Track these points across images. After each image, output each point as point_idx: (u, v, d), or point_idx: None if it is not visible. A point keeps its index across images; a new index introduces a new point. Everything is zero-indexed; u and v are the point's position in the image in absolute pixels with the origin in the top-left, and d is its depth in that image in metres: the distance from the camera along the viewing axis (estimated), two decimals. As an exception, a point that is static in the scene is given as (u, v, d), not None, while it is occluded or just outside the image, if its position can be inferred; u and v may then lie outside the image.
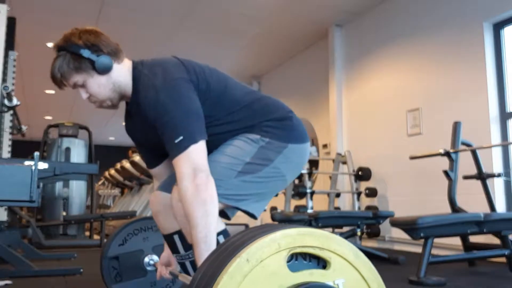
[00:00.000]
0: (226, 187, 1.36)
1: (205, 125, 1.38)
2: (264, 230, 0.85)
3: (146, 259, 1.98)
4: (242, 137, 1.45)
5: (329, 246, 0.86)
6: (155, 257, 1.99)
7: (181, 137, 1.29)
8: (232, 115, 1.46)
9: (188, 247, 1.44)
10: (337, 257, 0.86)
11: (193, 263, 1.45)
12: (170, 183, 1.47)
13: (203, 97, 1.40)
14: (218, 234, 1.35)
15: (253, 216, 1.45)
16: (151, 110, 1.35)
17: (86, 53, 1.39)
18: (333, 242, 0.86)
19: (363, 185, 5.07)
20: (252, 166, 1.40)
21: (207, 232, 1.25)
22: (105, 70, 1.40)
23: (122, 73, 1.45)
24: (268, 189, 1.46)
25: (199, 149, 1.30)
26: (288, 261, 0.83)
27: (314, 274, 0.85)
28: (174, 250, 1.51)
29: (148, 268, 1.98)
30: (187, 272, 1.52)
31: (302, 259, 0.86)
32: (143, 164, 6.74)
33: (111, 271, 1.97)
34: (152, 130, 1.39)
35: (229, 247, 0.83)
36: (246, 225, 5.52)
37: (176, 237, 1.48)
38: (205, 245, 1.23)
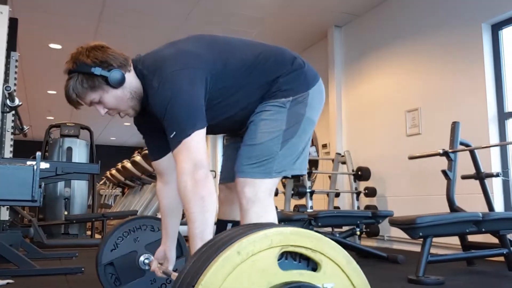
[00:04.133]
0: (277, 162, 1.42)
1: (225, 94, 1.43)
2: (257, 226, 0.85)
3: (141, 259, 1.99)
4: (268, 107, 1.48)
5: (321, 248, 0.85)
6: (149, 256, 2.00)
7: (174, 133, 1.32)
8: (245, 77, 1.48)
9: None
10: (329, 260, 0.85)
11: None
12: (230, 172, 1.53)
13: (217, 75, 1.42)
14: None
15: (302, 176, 1.53)
16: (156, 110, 1.39)
17: (97, 70, 1.41)
18: (326, 245, 0.86)
19: (362, 185, 5.09)
20: (290, 130, 1.46)
21: (203, 229, 1.27)
22: (119, 83, 1.43)
23: (133, 79, 1.47)
24: (306, 140, 1.53)
25: (193, 143, 1.31)
26: (278, 259, 0.82)
27: (304, 275, 0.84)
28: None
29: (145, 267, 1.99)
30: None
31: (292, 259, 0.86)
32: (144, 164, 6.76)
33: (108, 277, 1.97)
34: (159, 123, 1.43)
35: (222, 239, 0.83)
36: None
37: (229, 226, 1.53)
38: (201, 241, 1.25)
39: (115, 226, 2.06)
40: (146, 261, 1.98)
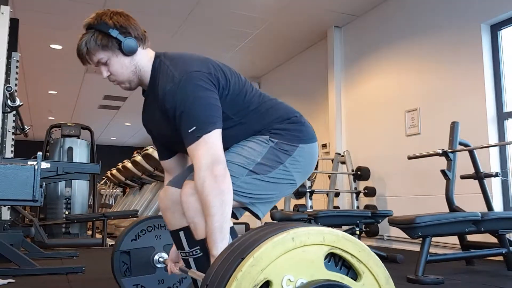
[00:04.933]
0: (238, 184, 1.39)
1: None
2: (313, 225, 0.87)
3: (156, 257, 2.02)
4: (253, 139, 1.48)
5: (367, 261, 0.87)
6: (164, 255, 2.02)
7: (193, 127, 1.33)
8: (244, 116, 1.49)
9: (193, 244, 1.46)
10: (370, 274, 0.87)
11: (197, 260, 1.48)
12: (181, 178, 1.49)
13: (221, 93, 1.43)
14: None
15: (258, 217, 1.48)
16: (169, 100, 1.38)
17: (114, 32, 1.43)
18: (371, 260, 0.88)
19: (362, 185, 5.10)
20: (263, 166, 1.43)
21: (223, 222, 1.28)
22: (130, 51, 1.45)
23: (144, 59, 1.49)
24: (277, 191, 1.48)
25: (212, 139, 1.32)
26: (324, 259, 0.84)
27: (344, 280, 0.86)
28: (179, 246, 1.53)
29: (158, 265, 2.02)
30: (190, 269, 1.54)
31: (334, 263, 0.88)
32: (145, 164, 6.77)
33: (121, 265, 2.01)
34: (166, 120, 1.43)
35: (274, 226, 0.85)
36: (247, 224, 5.55)
37: (182, 234, 1.50)
38: (221, 234, 1.27)
39: (142, 219, 2.10)
40: (161, 259, 2.01)
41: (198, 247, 1.44)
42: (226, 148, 1.45)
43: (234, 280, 0.76)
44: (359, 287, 0.86)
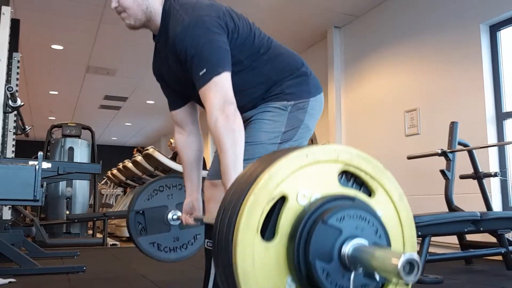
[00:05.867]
0: None
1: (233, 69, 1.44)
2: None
3: (170, 215, 2.05)
4: (270, 108, 1.52)
5: (380, 178, 0.88)
6: (178, 213, 2.05)
7: (204, 70, 1.35)
8: (255, 60, 1.51)
9: None
10: (383, 191, 0.88)
11: None
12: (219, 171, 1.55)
13: (231, 36, 1.45)
14: None
15: None
16: (180, 44, 1.40)
17: None
18: (385, 177, 0.88)
19: (363, 185, 5.11)
20: (288, 133, 1.50)
21: (235, 159, 1.30)
22: None
23: (157, 1, 1.51)
24: (302, 144, 1.56)
25: (223, 81, 1.35)
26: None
27: (358, 195, 0.87)
28: (210, 235, 1.54)
29: (172, 223, 2.05)
30: (210, 260, 1.55)
31: (347, 181, 0.89)
32: (145, 164, 6.78)
33: (137, 225, 2.07)
34: (177, 64, 1.46)
35: (291, 148, 0.86)
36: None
37: None
38: (234, 171, 1.29)
39: (154, 179, 2.15)
40: (175, 217, 2.04)
41: None
42: (236, 93, 1.45)
43: (251, 194, 0.76)
44: (372, 203, 0.87)
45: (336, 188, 0.85)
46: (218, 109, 1.32)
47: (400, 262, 0.67)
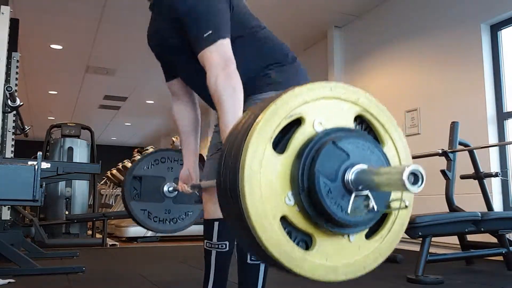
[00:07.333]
0: None
1: None
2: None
3: (166, 187, 2.05)
4: (257, 100, 1.49)
5: (392, 132, 0.89)
6: (174, 186, 2.04)
7: (210, 31, 1.35)
8: (243, 42, 1.48)
9: (223, 238, 1.48)
10: (393, 146, 0.89)
11: (219, 255, 1.50)
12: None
13: (231, 9, 1.45)
14: None
15: None
16: (182, 4, 1.39)
17: None
18: (396, 133, 0.90)
19: (363, 185, 5.10)
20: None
21: (236, 117, 1.28)
22: None
23: None
24: None
25: (226, 44, 1.35)
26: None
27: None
28: (208, 235, 1.54)
29: (167, 195, 2.06)
30: (209, 262, 1.54)
31: (361, 128, 0.89)
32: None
33: (132, 190, 2.06)
34: (174, 29, 1.44)
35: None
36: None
37: (216, 224, 1.51)
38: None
39: (157, 149, 2.16)
40: (170, 189, 2.04)
41: (227, 242, 1.47)
42: None
43: (272, 104, 0.78)
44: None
45: (350, 125, 0.86)
46: (219, 68, 1.31)
47: (405, 173, 0.68)
